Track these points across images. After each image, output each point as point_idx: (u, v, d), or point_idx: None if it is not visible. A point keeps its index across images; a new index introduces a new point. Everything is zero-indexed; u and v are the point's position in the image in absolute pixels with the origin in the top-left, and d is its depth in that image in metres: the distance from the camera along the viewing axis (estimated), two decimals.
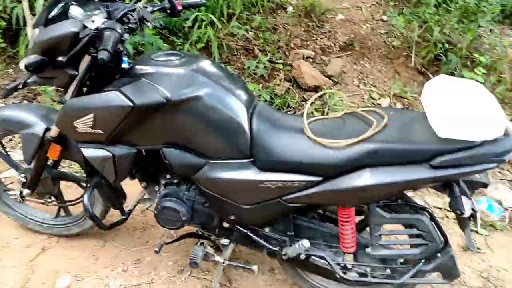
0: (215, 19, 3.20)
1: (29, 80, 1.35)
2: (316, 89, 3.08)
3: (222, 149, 1.30)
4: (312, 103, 2.93)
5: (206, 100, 1.24)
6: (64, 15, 1.20)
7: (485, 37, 3.73)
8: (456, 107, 1.16)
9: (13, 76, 2.84)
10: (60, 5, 1.22)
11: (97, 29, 1.13)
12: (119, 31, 1.11)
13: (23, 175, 1.58)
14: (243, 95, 1.34)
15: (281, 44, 3.53)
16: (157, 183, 1.52)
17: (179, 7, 1.46)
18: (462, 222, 1.28)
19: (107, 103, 1.22)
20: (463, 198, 1.17)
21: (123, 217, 1.56)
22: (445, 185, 1.23)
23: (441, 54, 3.31)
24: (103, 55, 1.03)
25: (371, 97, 3.10)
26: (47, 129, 1.44)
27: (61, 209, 1.73)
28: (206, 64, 1.34)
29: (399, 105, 3.05)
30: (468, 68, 3.33)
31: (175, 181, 1.48)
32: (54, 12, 1.21)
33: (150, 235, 1.86)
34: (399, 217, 1.31)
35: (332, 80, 3.18)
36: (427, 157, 1.16)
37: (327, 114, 2.83)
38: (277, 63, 3.36)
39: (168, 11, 1.45)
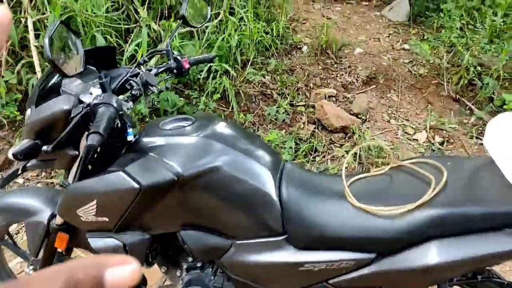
0: (229, 68, 3.11)
1: (28, 165, 1.20)
2: (343, 129, 2.86)
3: (249, 226, 1.08)
4: (343, 152, 2.70)
5: (225, 170, 1.04)
6: (56, 90, 1.06)
7: None
8: None
9: None
10: (53, 79, 1.09)
11: (88, 105, 0.98)
12: (115, 105, 0.95)
13: (31, 267, 1.41)
14: (267, 158, 1.13)
15: (300, 85, 3.38)
16: (179, 267, 1.30)
17: (187, 65, 1.30)
18: None
19: (110, 187, 1.04)
20: None
21: None
22: None
23: (474, 79, 3.05)
24: (92, 140, 0.86)
25: (406, 132, 2.85)
26: (53, 215, 1.27)
27: None
28: (220, 127, 1.15)
29: (438, 138, 2.77)
30: (508, 90, 3.05)
31: (199, 264, 1.25)
32: (46, 87, 1.08)
33: None
34: None
35: (360, 118, 2.96)
36: (509, 221, 0.90)
37: (366, 168, 2.58)
38: (298, 105, 3.19)
39: (175, 71, 1.30)
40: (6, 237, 1.51)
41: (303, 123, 3.02)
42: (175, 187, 1.03)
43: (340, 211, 1.04)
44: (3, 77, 2.78)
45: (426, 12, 3.97)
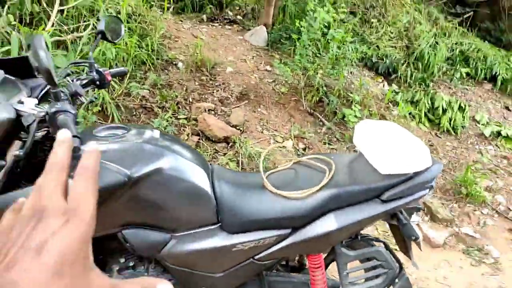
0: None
1: None
2: (226, 139, 3.15)
3: (189, 219, 1.23)
4: (227, 160, 2.98)
5: (167, 171, 1.17)
6: None
7: (349, 78, 4.44)
8: (390, 146, 1.35)
9: None
10: None
11: (46, 113, 0.98)
12: (73, 111, 0.98)
13: None
14: (200, 161, 1.30)
15: (180, 100, 3.54)
16: (107, 271, 1.32)
17: (109, 77, 1.36)
18: (408, 245, 1.46)
19: None
20: (413, 224, 1.35)
21: None
22: (392, 215, 1.40)
23: (323, 96, 3.79)
24: (77, 143, 0.89)
25: (276, 141, 3.33)
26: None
27: None
28: (156, 135, 1.27)
29: (301, 145, 3.34)
30: (345, 106, 3.89)
31: (131, 263, 1.31)
32: None
33: None
34: (361, 252, 1.42)
35: (238, 129, 3.31)
36: (378, 194, 1.32)
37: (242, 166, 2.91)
38: (180, 118, 3.35)
39: (98, 83, 1.34)
40: None
41: (187, 135, 3.19)
42: (124, 188, 1.10)
43: (262, 198, 1.29)
44: None
45: (281, 40, 4.68)
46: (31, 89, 1.18)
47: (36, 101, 1.08)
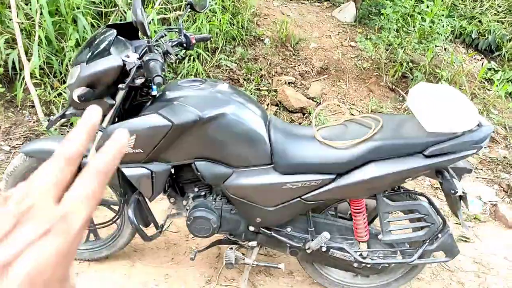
0: (203, 53, 3.46)
1: (67, 112, 1.50)
2: (301, 110, 3.35)
3: (247, 158, 1.49)
4: (314, 116, 3.18)
5: (231, 116, 1.44)
6: (102, 53, 1.38)
7: (441, 54, 4.20)
8: (439, 106, 1.42)
9: (13, 119, 2.92)
10: (100, 45, 1.41)
11: (142, 61, 1.32)
12: (161, 60, 1.31)
13: None
14: (259, 111, 1.55)
15: (263, 73, 3.82)
16: (185, 198, 1.67)
17: (193, 41, 1.67)
18: (455, 203, 1.52)
19: (149, 124, 1.39)
20: (454, 180, 1.41)
21: (158, 230, 1.69)
22: (437, 172, 1.47)
23: (407, 72, 3.70)
24: (159, 80, 1.22)
25: (352, 114, 3.41)
26: (84, 156, 1.57)
27: (91, 233, 1.82)
28: (225, 87, 1.55)
29: None
30: (432, 83, 3.74)
31: (202, 193, 1.64)
32: (96, 50, 1.40)
33: (173, 252, 1.97)
34: (403, 204, 1.53)
35: (315, 101, 3.47)
36: (421, 149, 1.41)
37: None
38: (262, 90, 3.63)
39: (184, 45, 1.66)
40: None
41: (267, 105, 3.47)
42: (196, 125, 1.41)
43: (311, 146, 1.49)
44: None
45: (370, 16, 4.60)
46: (135, 48, 1.55)
47: (138, 55, 1.43)
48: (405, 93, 3.66)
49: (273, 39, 4.21)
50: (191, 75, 3.44)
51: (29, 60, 2.94)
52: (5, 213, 0.25)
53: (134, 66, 1.32)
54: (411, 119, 1.49)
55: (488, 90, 3.94)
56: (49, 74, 3.04)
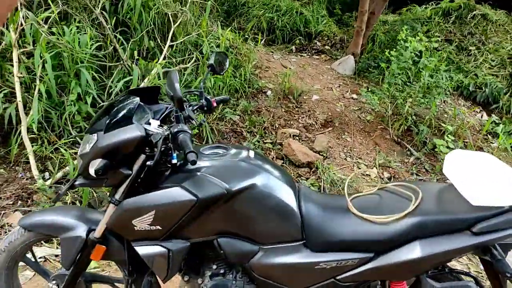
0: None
1: (76, 183, 1.35)
2: (309, 164, 3.25)
3: (276, 233, 1.35)
4: (309, 184, 3.06)
5: (260, 187, 1.31)
6: (123, 121, 1.26)
7: (442, 107, 4.24)
8: (482, 177, 1.32)
9: (5, 176, 2.73)
10: (120, 112, 1.29)
11: (170, 132, 1.21)
12: (189, 132, 1.20)
13: (54, 282, 1.49)
14: (288, 180, 1.43)
15: (267, 125, 3.76)
16: (200, 275, 1.49)
17: (214, 104, 1.59)
18: (503, 284, 1.38)
19: (170, 199, 1.25)
20: (506, 260, 1.28)
21: None
22: (484, 250, 1.34)
23: (412, 126, 3.68)
24: (193, 157, 1.09)
25: (359, 168, 3.32)
26: (90, 230, 1.41)
27: None
28: (251, 154, 1.43)
29: (386, 174, 3.27)
30: (436, 136, 3.72)
31: (222, 271, 1.46)
32: (114, 118, 1.28)
33: None
34: (449, 285, 1.38)
35: (322, 155, 3.39)
36: (468, 225, 1.28)
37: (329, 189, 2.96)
38: (266, 142, 3.55)
39: (205, 108, 1.57)
40: (29, 254, 1.58)
41: (272, 158, 3.37)
42: (222, 199, 1.27)
43: (346, 220, 1.35)
44: None
45: (369, 69, 4.69)
46: (154, 112, 1.45)
47: (159, 122, 1.33)
48: (411, 147, 3.61)
49: (276, 91, 4.21)
50: (194, 128, 3.35)
51: (27, 114, 2.83)
52: None
53: (160, 138, 1.21)
54: (451, 190, 1.39)
55: (492, 143, 3.93)
56: (47, 128, 2.91)
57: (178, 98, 1.14)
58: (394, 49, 3.58)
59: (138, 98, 1.31)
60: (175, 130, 1.19)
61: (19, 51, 2.86)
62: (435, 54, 4.26)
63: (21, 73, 2.86)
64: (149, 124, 1.31)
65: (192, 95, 1.70)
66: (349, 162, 3.39)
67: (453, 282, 1.39)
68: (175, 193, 1.26)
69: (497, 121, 4.19)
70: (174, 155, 1.40)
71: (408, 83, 3.84)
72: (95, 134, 1.28)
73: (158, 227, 1.28)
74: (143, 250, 1.32)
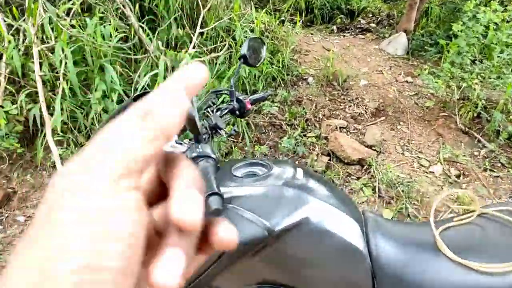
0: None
1: None
2: (360, 162, 2.83)
3: (337, 283, 0.99)
4: (361, 184, 2.65)
5: (313, 223, 0.95)
6: None
7: None
8: None
9: (31, 182, 2.57)
10: None
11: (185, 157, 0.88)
12: (214, 157, 0.85)
13: None
14: (351, 208, 1.05)
15: (309, 117, 3.36)
16: None
17: (249, 106, 1.22)
18: None
19: None
20: None
21: None
22: None
23: (482, 112, 3.12)
24: (217, 204, 0.72)
25: (421, 165, 2.84)
26: None
27: None
28: (300, 175, 1.07)
29: (453, 171, 2.77)
30: None
31: None
32: None
33: None
34: None
35: (374, 150, 2.94)
36: None
37: (386, 201, 2.54)
38: (309, 136, 3.15)
39: (237, 112, 1.22)
40: None
41: (317, 155, 2.98)
42: (263, 242, 0.92)
43: (436, 266, 0.96)
44: (2, 107, 2.60)
45: (425, 47, 4.10)
46: None
47: (176, 137, 1.00)
48: (482, 137, 3.07)
49: (318, 78, 3.77)
50: (230, 124, 3.02)
51: (51, 115, 2.63)
52: None
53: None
54: None
55: None
56: (73, 129, 2.71)
57: (188, 118, 0.79)
58: (461, 21, 3.01)
59: None
60: (193, 154, 0.84)
61: (39, 47, 2.65)
62: (506, 26, 3.61)
63: (43, 72, 2.66)
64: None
65: (222, 94, 1.35)
66: (408, 157, 2.92)
67: None
68: None
69: None
70: None
71: (475, 62, 3.27)
72: None
73: None
74: None
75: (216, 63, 3.17)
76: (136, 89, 2.85)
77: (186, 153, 0.87)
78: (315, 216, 0.95)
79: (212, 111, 1.12)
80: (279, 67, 3.64)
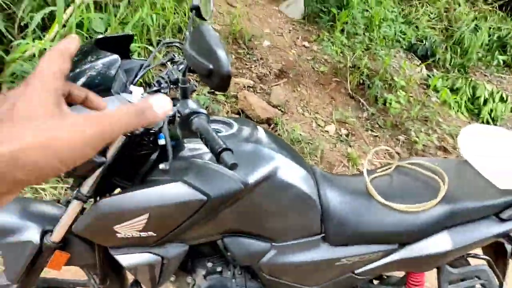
0: (150, 47, 2.86)
1: None
2: (268, 120, 3.00)
3: (292, 228, 1.11)
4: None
5: (279, 176, 1.04)
6: (99, 90, 0.85)
7: (393, 61, 4.23)
8: (507, 158, 1.22)
9: None
10: (94, 76, 0.86)
11: (179, 114, 0.83)
12: (205, 112, 0.84)
13: None
14: (303, 164, 1.17)
15: None
16: (190, 274, 1.22)
17: None
18: (507, 265, 1.36)
19: (170, 200, 0.91)
20: None
21: None
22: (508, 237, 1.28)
23: (365, 79, 3.60)
24: (232, 159, 0.73)
25: (318, 125, 3.18)
26: (45, 232, 1.02)
27: None
28: (262, 133, 1.13)
29: (343, 131, 3.19)
30: (387, 91, 3.72)
31: (219, 268, 1.21)
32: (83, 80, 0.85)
33: None
34: (465, 270, 1.32)
35: (280, 110, 3.15)
36: (496, 211, 1.19)
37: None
38: (219, 94, 3.18)
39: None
40: None
41: (227, 113, 3.04)
42: (238, 196, 0.97)
43: (370, 208, 1.17)
44: None
45: (320, 14, 4.41)
46: (125, 72, 1.03)
47: (142, 89, 0.94)
48: (364, 101, 3.57)
49: (223, 34, 3.74)
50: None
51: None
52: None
53: (164, 123, 0.83)
54: (471, 170, 1.27)
55: (431, 97, 4.08)
56: None
57: (228, 75, 0.76)
58: None
59: (118, 57, 0.89)
60: (186, 111, 0.82)
61: None
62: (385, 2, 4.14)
63: None
64: (130, 93, 0.91)
65: (172, 46, 1.28)
66: (307, 117, 3.23)
67: (468, 267, 1.34)
68: (176, 191, 0.92)
69: (436, 76, 4.35)
70: (161, 134, 1.02)
71: (371, 36, 3.70)
72: None
73: (151, 233, 0.95)
74: (127, 259, 0.99)
75: (119, 6, 2.85)
76: (21, 28, 2.39)
77: (177, 109, 0.84)
78: (280, 169, 1.04)
79: (170, 66, 1.06)
80: (184, 18, 3.47)
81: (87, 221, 0.95)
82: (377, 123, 3.40)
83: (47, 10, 2.28)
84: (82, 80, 0.85)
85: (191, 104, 0.85)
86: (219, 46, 0.76)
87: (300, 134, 2.92)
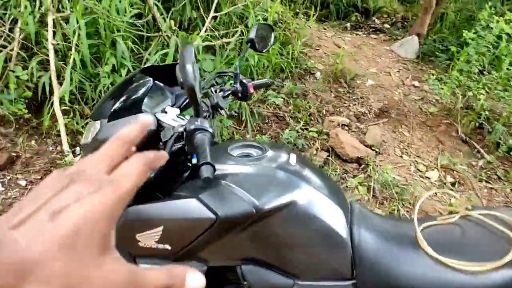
0: None
1: None
2: (358, 160, 2.86)
3: (316, 267, 1.04)
4: (356, 183, 2.69)
5: (301, 206, 1.00)
6: (132, 107, 1.00)
7: None
8: None
9: (35, 149, 2.63)
10: (131, 96, 1.02)
11: (184, 130, 0.92)
12: (211, 131, 0.90)
13: None
14: (338, 196, 1.10)
15: (313, 111, 3.39)
16: None
17: (251, 90, 1.27)
18: None
19: (183, 214, 0.98)
20: None
21: None
22: None
23: (484, 122, 3.14)
24: (208, 173, 0.79)
25: (418, 169, 2.88)
26: None
27: None
28: (293, 159, 1.11)
29: (449, 178, 2.81)
30: None
31: None
32: (121, 103, 1.01)
33: None
34: None
35: (374, 150, 2.98)
36: None
37: (379, 201, 2.58)
38: (311, 131, 3.19)
39: (240, 95, 1.26)
40: None
41: (316, 149, 3.01)
42: (250, 220, 0.97)
43: (415, 260, 1.01)
44: (13, 71, 2.65)
45: (435, 52, 4.10)
46: (176, 96, 1.16)
47: (178, 111, 1.04)
48: (481, 148, 3.09)
49: (326, 73, 3.79)
50: (230, 107, 3.06)
51: (60, 84, 2.67)
52: (61, 174, 0.28)
53: (172, 137, 0.92)
54: None
55: None
56: (80, 100, 2.76)
57: (189, 87, 0.83)
58: (473, 29, 3.01)
59: (151, 79, 1.03)
60: (191, 127, 0.89)
61: (54, 15, 2.68)
62: None
63: (56, 41, 2.69)
64: (165, 112, 1.03)
65: (227, 76, 1.39)
66: (406, 160, 2.96)
67: None
68: (189, 207, 0.97)
69: None
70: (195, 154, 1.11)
71: (484, 72, 3.27)
72: (99, 122, 1.02)
73: (167, 246, 1.01)
74: None
75: (226, 49, 3.20)
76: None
77: (185, 126, 0.92)
78: (303, 200, 1.00)
79: (215, 91, 1.16)
80: (288, 59, 3.66)
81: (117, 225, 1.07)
82: (496, 174, 2.89)
83: (163, 51, 2.72)
84: (118, 98, 1.00)
85: (199, 122, 0.91)
86: (188, 61, 0.82)
87: (394, 178, 2.68)
